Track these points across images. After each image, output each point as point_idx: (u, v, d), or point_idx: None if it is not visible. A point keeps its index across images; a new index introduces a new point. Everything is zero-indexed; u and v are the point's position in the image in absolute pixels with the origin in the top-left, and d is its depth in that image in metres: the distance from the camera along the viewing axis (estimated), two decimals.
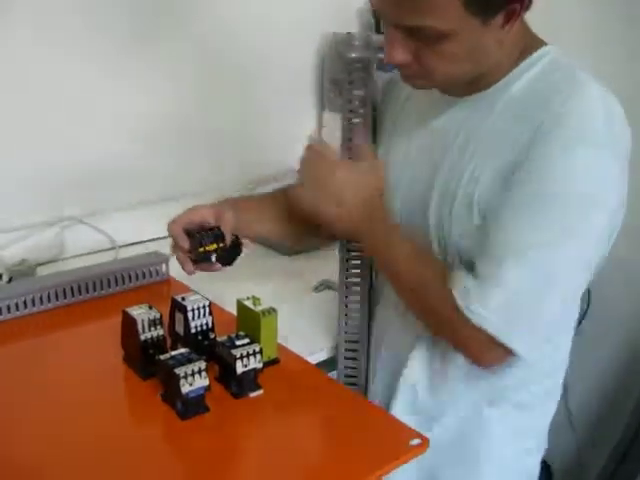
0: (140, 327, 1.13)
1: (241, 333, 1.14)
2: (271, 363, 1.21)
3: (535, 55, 1.03)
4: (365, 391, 1.30)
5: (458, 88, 1.06)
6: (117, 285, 1.48)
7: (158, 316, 1.15)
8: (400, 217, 1.15)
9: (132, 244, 1.81)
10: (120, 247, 1.78)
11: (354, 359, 1.31)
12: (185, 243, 1.15)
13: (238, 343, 1.11)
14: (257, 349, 1.11)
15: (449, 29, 0.92)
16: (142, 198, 1.84)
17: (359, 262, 1.28)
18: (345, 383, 1.31)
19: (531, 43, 1.04)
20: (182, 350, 1.08)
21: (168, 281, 1.55)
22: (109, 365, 1.20)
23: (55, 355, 1.26)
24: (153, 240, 1.83)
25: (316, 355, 1.35)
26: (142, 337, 1.13)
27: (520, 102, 1.01)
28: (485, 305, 0.97)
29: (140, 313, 1.14)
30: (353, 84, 1.24)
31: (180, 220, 1.18)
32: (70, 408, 1.09)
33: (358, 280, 1.28)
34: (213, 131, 1.94)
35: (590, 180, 0.95)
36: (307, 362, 1.26)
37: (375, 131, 1.26)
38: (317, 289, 1.58)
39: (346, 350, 1.31)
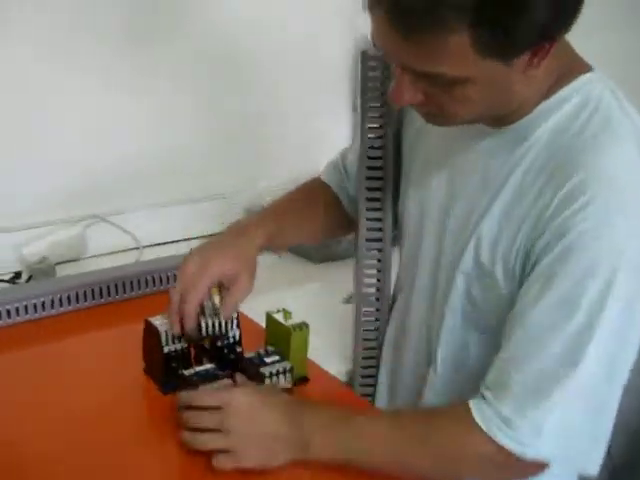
0: (164, 339, 1.06)
1: (270, 348, 1.07)
2: (300, 382, 1.13)
3: (570, 87, 0.90)
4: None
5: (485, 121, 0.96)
6: (140, 289, 1.41)
7: None
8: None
9: (157, 245, 1.75)
10: (144, 247, 1.71)
11: (371, 376, 1.24)
12: (191, 322, 1.05)
13: (267, 360, 1.04)
14: (287, 367, 1.04)
15: (464, 75, 0.81)
16: (170, 198, 1.77)
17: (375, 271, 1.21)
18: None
19: (569, 68, 0.91)
20: (207, 366, 1.02)
21: None
22: (128, 376, 1.13)
23: (71, 362, 1.20)
24: (179, 241, 1.77)
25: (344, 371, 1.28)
26: (165, 349, 1.06)
27: (547, 150, 0.90)
28: (538, 434, 0.86)
29: (164, 323, 1.07)
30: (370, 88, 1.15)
31: (195, 297, 1.04)
32: (83, 422, 1.03)
33: (373, 291, 1.23)
34: (246, 131, 1.86)
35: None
36: (337, 380, 1.19)
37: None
38: (347, 301, 1.50)
39: (362, 368, 1.24)
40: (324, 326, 1.38)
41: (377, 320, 1.21)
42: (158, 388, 1.09)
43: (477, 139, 0.98)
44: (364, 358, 1.21)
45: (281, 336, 1.12)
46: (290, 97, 1.92)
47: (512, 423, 0.86)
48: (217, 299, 1.04)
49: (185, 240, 1.78)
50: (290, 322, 1.13)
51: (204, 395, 0.95)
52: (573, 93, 0.90)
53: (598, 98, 0.89)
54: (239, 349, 1.13)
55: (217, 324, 1.06)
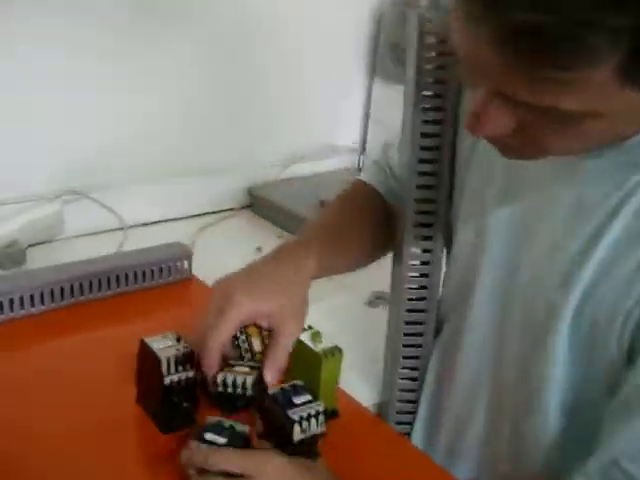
0: (165, 368, 0.84)
1: (298, 384, 0.86)
2: (330, 416, 0.92)
3: None
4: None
5: None
6: (127, 284, 1.19)
7: (189, 351, 0.86)
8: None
9: (144, 224, 1.51)
10: (129, 227, 1.48)
11: (410, 401, 1.02)
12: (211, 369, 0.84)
13: (296, 401, 0.83)
14: (320, 409, 0.83)
15: (591, 110, 0.58)
16: (159, 173, 1.54)
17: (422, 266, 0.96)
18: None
19: None
20: (220, 419, 0.80)
21: (190, 281, 1.26)
22: (114, 405, 0.92)
23: (37, 382, 0.96)
24: (169, 221, 1.55)
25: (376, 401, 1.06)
26: (166, 381, 0.85)
27: None
28: None
29: (165, 348, 0.86)
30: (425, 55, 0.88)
31: (222, 336, 0.83)
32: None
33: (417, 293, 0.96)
34: (242, 101, 1.63)
35: None
36: (372, 414, 0.99)
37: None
38: (371, 303, 1.29)
39: (400, 390, 1.01)
40: (342, 334, 1.17)
41: (421, 335, 0.97)
42: (155, 425, 0.88)
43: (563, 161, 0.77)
44: (402, 390, 0.99)
45: (309, 362, 0.91)
46: (296, 65, 1.69)
47: None
48: (257, 343, 0.84)
49: (176, 220, 1.56)
50: (320, 346, 0.91)
51: (226, 457, 0.75)
52: None
53: None
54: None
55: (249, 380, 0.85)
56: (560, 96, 0.57)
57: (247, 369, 0.83)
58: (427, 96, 0.87)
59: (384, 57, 1.75)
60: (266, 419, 0.84)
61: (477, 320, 0.89)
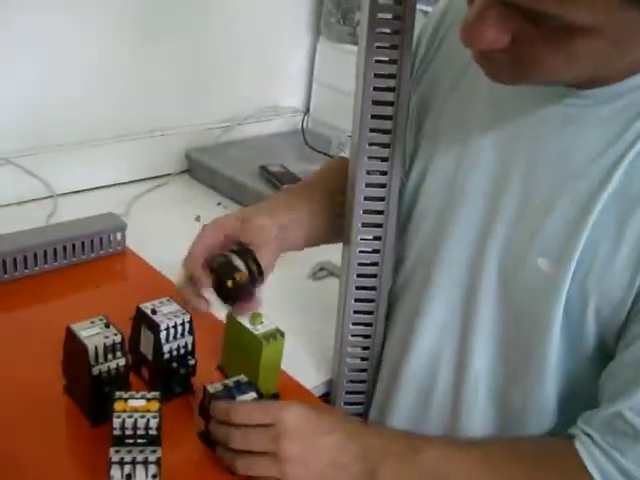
0: (92, 357, 0.78)
1: (243, 380, 0.81)
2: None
3: None
4: None
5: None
6: (55, 259, 1.11)
7: (119, 340, 0.80)
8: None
9: (75, 192, 1.43)
10: (59, 196, 1.39)
11: (362, 381, 0.97)
12: (207, 281, 0.83)
13: (240, 398, 0.78)
14: None
15: (591, 25, 0.56)
16: (92, 137, 1.44)
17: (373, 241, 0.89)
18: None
19: None
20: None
21: (124, 254, 1.19)
22: (40, 395, 0.85)
23: None
24: (103, 188, 1.46)
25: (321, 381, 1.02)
26: (94, 371, 0.79)
27: None
28: None
29: (92, 336, 0.79)
30: (381, 13, 0.79)
31: (198, 251, 0.84)
32: None
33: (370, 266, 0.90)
34: (180, 62, 1.53)
35: None
36: (315, 397, 0.95)
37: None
38: (315, 275, 1.24)
39: (350, 370, 0.96)
40: (286, 312, 1.12)
41: (371, 313, 0.91)
42: (86, 417, 0.82)
43: (545, 104, 0.72)
44: (352, 370, 0.94)
45: (248, 347, 0.86)
46: (237, 25, 1.60)
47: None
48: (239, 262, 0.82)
49: (111, 186, 1.48)
50: (261, 329, 0.86)
51: (251, 409, 0.75)
52: None
53: None
54: (191, 361, 0.86)
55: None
56: (565, 4, 0.55)
57: (144, 402, 0.74)
58: (381, 47, 0.80)
59: (329, 16, 1.67)
60: (208, 420, 0.79)
61: (443, 285, 0.84)
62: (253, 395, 0.78)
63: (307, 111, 1.78)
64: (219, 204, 1.45)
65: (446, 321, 0.84)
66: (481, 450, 0.76)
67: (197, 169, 1.55)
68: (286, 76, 1.76)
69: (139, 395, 0.72)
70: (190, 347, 0.86)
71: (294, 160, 1.55)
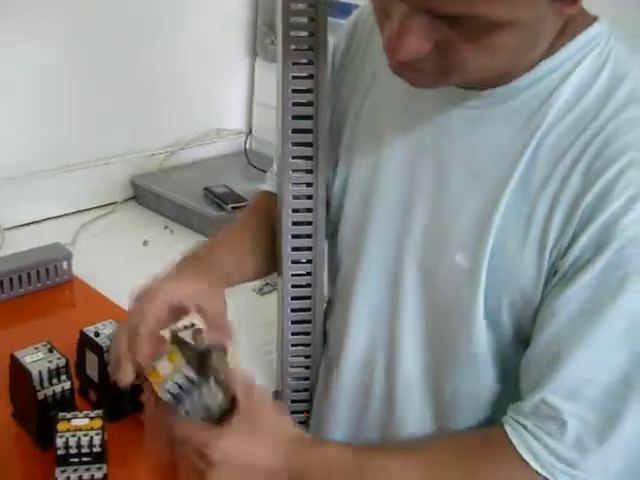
0: (37, 382, 0.80)
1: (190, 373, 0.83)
2: None
3: (581, 40, 0.70)
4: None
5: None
6: (2, 291, 1.13)
7: (63, 363, 0.83)
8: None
9: (22, 225, 1.45)
10: (6, 230, 1.41)
11: (305, 390, 1.00)
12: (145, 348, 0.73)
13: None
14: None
15: (510, 18, 0.60)
16: (39, 167, 1.46)
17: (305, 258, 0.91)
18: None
19: (572, 17, 0.70)
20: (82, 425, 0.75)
21: (71, 283, 1.21)
22: None
23: None
24: (51, 219, 1.48)
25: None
26: (40, 395, 0.81)
27: (564, 123, 0.70)
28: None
29: (36, 361, 0.81)
30: (294, 31, 0.84)
31: (149, 319, 0.74)
32: None
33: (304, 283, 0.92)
34: (123, 90, 1.57)
35: None
36: None
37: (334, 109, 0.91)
38: (261, 291, 1.27)
39: (293, 379, 0.97)
40: (233, 326, 1.15)
41: (309, 322, 0.94)
42: (35, 442, 0.84)
43: (458, 103, 0.76)
44: (295, 378, 0.97)
45: None
46: (177, 51, 1.64)
47: (576, 465, 0.70)
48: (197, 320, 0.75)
49: (58, 217, 1.49)
50: (203, 344, 0.88)
51: (189, 433, 0.69)
52: (589, 47, 0.71)
53: (627, 57, 0.71)
54: (137, 381, 0.88)
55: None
56: (484, 4, 0.57)
57: (87, 421, 0.74)
58: (297, 63, 0.84)
59: (264, 37, 1.72)
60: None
61: (368, 288, 0.86)
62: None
63: (250, 132, 1.81)
64: (166, 227, 1.48)
65: (375, 323, 0.86)
66: (417, 455, 0.79)
67: (143, 195, 1.57)
68: (227, 99, 1.80)
69: (82, 414, 0.74)
70: None
71: (238, 180, 1.58)
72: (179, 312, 0.75)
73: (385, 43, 0.64)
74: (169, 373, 0.68)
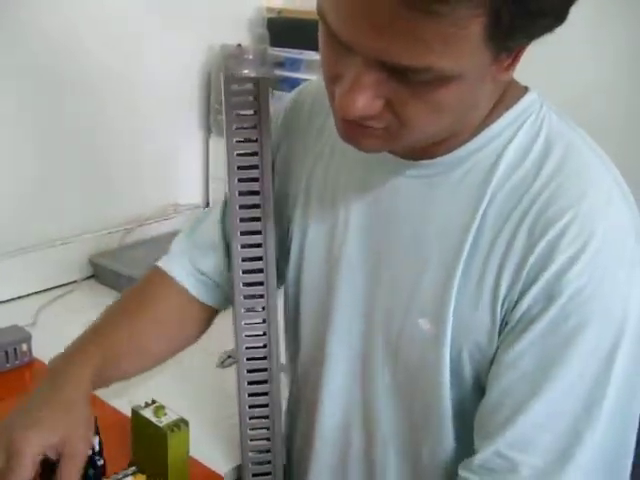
0: None
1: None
2: None
3: (519, 108, 0.76)
4: None
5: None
6: None
7: None
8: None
9: None
10: None
11: (267, 462, 0.99)
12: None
13: None
14: None
15: (459, 71, 0.62)
16: None
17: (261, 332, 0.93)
18: None
19: (508, 86, 0.76)
20: None
21: (31, 365, 1.21)
22: None
23: None
24: (7, 302, 1.48)
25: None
26: None
27: (508, 188, 0.75)
28: None
29: None
30: (241, 108, 0.89)
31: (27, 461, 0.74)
32: None
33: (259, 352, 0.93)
34: (78, 168, 1.59)
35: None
36: None
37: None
38: (223, 363, 1.28)
39: (253, 452, 0.98)
40: (195, 401, 1.16)
41: (266, 394, 0.95)
42: None
43: (397, 172, 0.80)
44: (256, 451, 0.97)
45: (154, 439, 0.89)
46: (132, 126, 1.68)
47: None
48: None
49: (16, 299, 1.49)
50: (164, 421, 0.90)
51: None
52: (524, 115, 0.76)
53: (558, 127, 0.76)
54: (100, 461, 0.88)
55: None
56: (438, 53, 0.59)
57: None
58: (241, 140, 0.89)
59: (216, 113, 1.76)
60: None
61: (340, 360, 0.88)
62: None
63: (207, 206, 1.84)
64: None
65: (349, 395, 0.88)
66: None
67: (102, 273, 1.58)
68: (184, 174, 1.83)
69: None
70: (97, 447, 0.88)
71: None
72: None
73: (337, 104, 0.66)
74: None
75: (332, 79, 0.68)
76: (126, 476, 0.78)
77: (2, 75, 1.43)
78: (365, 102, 0.65)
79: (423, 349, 0.79)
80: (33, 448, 0.73)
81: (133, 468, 0.79)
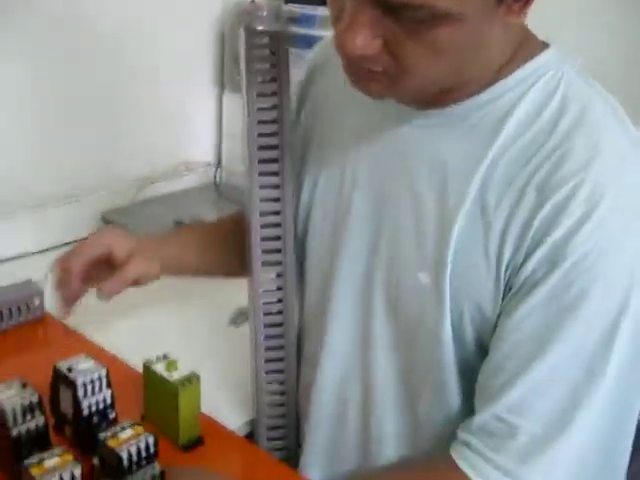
0: (11, 419, 0.80)
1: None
2: (194, 445, 0.91)
3: (535, 63, 0.73)
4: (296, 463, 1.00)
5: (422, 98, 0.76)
6: None
7: (35, 399, 0.83)
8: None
9: None
10: None
11: (281, 416, 1.01)
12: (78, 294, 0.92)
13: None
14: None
15: (458, 10, 0.61)
16: (5, 208, 1.46)
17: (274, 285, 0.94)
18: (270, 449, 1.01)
19: (525, 41, 0.75)
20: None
21: (43, 320, 1.21)
22: None
23: None
24: (22, 257, 1.47)
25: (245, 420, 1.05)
26: (14, 432, 0.80)
27: (519, 144, 0.73)
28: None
29: (9, 398, 0.81)
30: (261, 62, 0.89)
31: (80, 265, 0.91)
32: None
33: (275, 311, 0.94)
34: (91, 125, 1.57)
35: None
36: (237, 437, 0.98)
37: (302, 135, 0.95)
38: (235, 322, 1.28)
39: (268, 406, 0.99)
40: (208, 358, 1.15)
41: (282, 348, 0.96)
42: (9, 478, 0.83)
43: (404, 121, 0.78)
44: (271, 405, 0.98)
45: (165, 394, 0.89)
46: (144, 83, 1.65)
47: (515, 474, 0.72)
48: None
49: (30, 255, 1.49)
50: (176, 376, 0.89)
51: None
52: (539, 73, 0.73)
53: (575, 84, 0.74)
54: (112, 414, 0.89)
55: None
56: None
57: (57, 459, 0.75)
58: (261, 94, 0.88)
59: (231, 70, 1.74)
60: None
61: (340, 309, 0.88)
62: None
63: (219, 164, 1.83)
64: None
65: (348, 346, 0.88)
66: None
67: None
68: (196, 131, 1.81)
69: (47, 454, 0.74)
70: (109, 400, 0.89)
71: (209, 212, 1.59)
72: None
73: (337, 42, 0.66)
74: None
75: (334, 21, 0.68)
76: (124, 428, 0.78)
77: (20, 33, 1.41)
78: (363, 40, 0.65)
79: (422, 304, 0.78)
80: (105, 233, 0.98)
81: (130, 420, 0.79)
